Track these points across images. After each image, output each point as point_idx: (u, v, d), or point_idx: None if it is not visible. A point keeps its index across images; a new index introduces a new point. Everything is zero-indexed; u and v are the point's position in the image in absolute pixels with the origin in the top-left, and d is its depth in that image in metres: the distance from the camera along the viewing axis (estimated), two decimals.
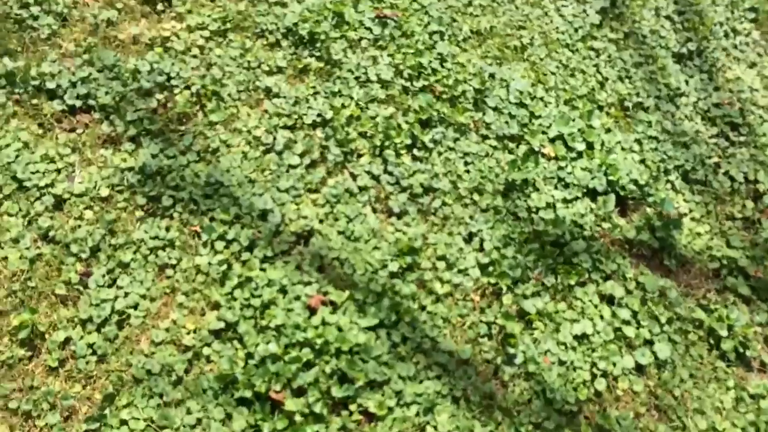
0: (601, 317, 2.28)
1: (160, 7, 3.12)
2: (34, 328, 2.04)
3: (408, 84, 3.03)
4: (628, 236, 2.53)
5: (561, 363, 2.16)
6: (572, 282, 2.33)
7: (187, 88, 2.84)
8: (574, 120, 2.88)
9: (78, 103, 2.67)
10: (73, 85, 2.71)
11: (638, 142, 2.89)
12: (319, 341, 2.07)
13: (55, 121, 2.65)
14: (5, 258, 2.22)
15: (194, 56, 2.97)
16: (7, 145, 2.46)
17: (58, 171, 2.46)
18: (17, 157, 2.42)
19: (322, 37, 3.10)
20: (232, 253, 2.33)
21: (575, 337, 2.21)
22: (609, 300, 2.37)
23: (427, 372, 2.11)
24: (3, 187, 2.37)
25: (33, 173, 2.40)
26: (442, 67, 3.10)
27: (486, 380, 2.13)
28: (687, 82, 3.33)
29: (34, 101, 2.66)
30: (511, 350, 2.14)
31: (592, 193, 2.68)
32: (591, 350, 2.19)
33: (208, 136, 2.70)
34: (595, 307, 2.29)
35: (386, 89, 2.99)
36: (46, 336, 2.07)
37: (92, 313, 2.10)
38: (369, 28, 3.22)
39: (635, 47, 3.40)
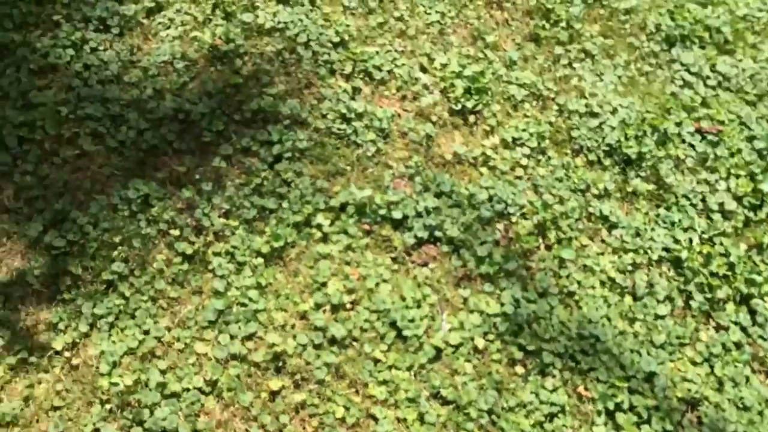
0: None
1: (471, 119, 3.12)
2: None
3: (750, 214, 2.92)
4: None
5: None
6: None
7: (524, 216, 2.82)
8: None
9: (425, 235, 2.69)
10: (419, 214, 2.72)
11: None
12: None
13: (406, 254, 2.68)
14: (404, 419, 2.23)
15: (518, 177, 2.95)
16: (377, 285, 2.49)
17: (430, 317, 2.47)
18: (393, 303, 2.44)
19: (647, 156, 3.03)
20: (632, 424, 2.27)
21: None
22: None
23: None
24: (384, 335, 2.39)
25: (410, 321, 2.41)
26: None
27: None
28: None
29: (384, 232, 2.69)
30: None
31: None
32: None
33: (560, 276, 2.66)
34: None
35: (729, 220, 2.88)
36: None
37: None
38: (691, 145, 3.12)
39: None
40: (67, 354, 2.21)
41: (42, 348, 2.20)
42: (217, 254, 2.45)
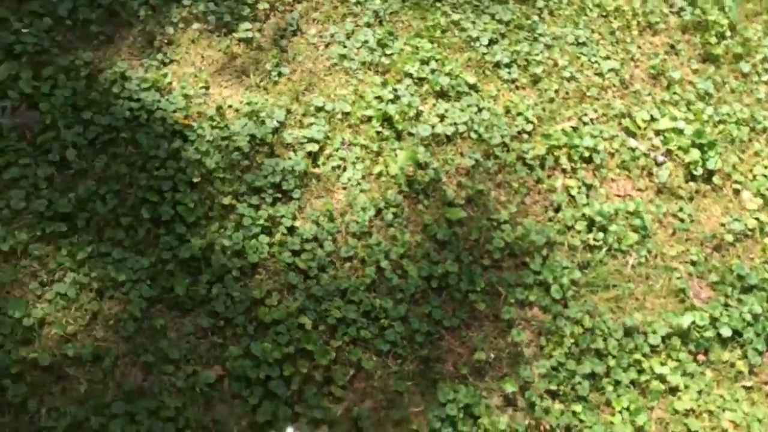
0: None
1: (717, 181, 2.79)
2: None
3: None
4: None
5: None
6: None
7: None
8: None
9: (764, 346, 2.40)
10: (748, 323, 2.42)
11: None
12: None
13: (753, 374, 2.38)
14: None
15: None
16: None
17: None
18: None
19: None
20: None
21: None
22: None
23: None
24: None
25: None
26: None
27: None
28: None
29: (722, 357, 2.37)
30: None
31: None
32: None
33: None
34: None
35: None
36: None
37: None
38: None
39: None
40: None
41: None
42: None
